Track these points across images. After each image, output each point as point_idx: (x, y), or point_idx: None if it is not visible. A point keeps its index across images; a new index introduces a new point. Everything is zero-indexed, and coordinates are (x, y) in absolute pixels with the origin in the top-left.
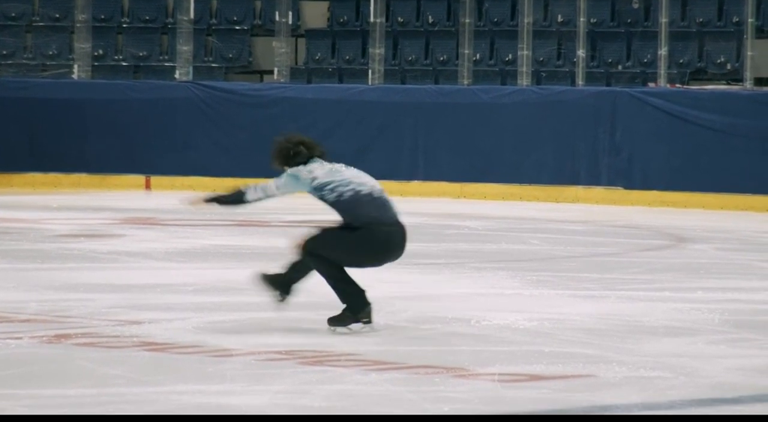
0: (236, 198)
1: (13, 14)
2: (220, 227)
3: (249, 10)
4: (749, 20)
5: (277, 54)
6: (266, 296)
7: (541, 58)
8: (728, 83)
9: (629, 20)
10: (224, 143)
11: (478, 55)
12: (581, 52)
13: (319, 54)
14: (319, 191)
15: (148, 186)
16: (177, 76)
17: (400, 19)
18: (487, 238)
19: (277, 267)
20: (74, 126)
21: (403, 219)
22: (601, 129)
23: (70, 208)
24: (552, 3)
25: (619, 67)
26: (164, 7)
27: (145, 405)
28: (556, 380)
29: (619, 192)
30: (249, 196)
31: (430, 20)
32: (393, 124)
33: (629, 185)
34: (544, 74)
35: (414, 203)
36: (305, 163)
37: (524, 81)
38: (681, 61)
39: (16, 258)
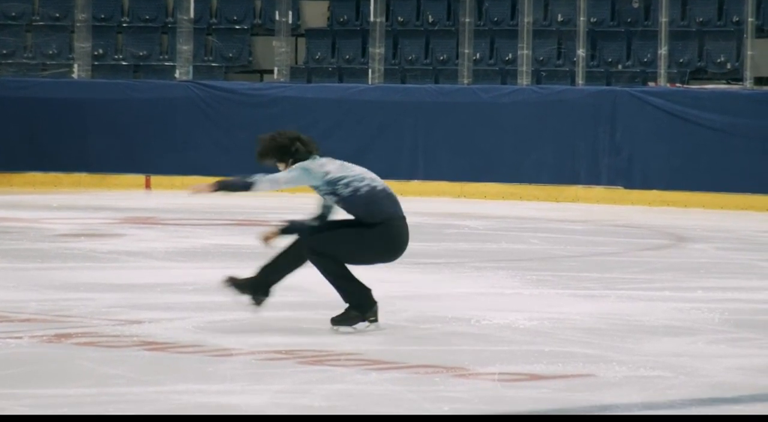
0: (243, 186)
1: (13, 14)
2: (220, 226)
3: (249, 9)
4: (749, 20)
5: (277, 53)
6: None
7: (541, 58)
8: (728, 83)
9: (629, 20)
10: (224, 143)
11: (478, 55)
12: (581, 52)
13: (319, 53)
14: (332, 185)
15: (148, 186)
16: (177, 75)
17: (400, 19)
18: (487, 237)
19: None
20: (74, 126)
21: (398, 225)
22: (601, 129)
23: (70, 207)
24: (552, 2)
25: (619, 66)
26: (164, 7)
27: (145, 405)
28: (556, 380)
29: (619, 192)
30: (257, 186)
31: (430, 20)
32: (393, 123)
33: (629, 185)
34: (544, 74)
35: (414, 203)
36: (305, 159)
37: (524, 81)
38: (681, 60)
39: (16, 258)
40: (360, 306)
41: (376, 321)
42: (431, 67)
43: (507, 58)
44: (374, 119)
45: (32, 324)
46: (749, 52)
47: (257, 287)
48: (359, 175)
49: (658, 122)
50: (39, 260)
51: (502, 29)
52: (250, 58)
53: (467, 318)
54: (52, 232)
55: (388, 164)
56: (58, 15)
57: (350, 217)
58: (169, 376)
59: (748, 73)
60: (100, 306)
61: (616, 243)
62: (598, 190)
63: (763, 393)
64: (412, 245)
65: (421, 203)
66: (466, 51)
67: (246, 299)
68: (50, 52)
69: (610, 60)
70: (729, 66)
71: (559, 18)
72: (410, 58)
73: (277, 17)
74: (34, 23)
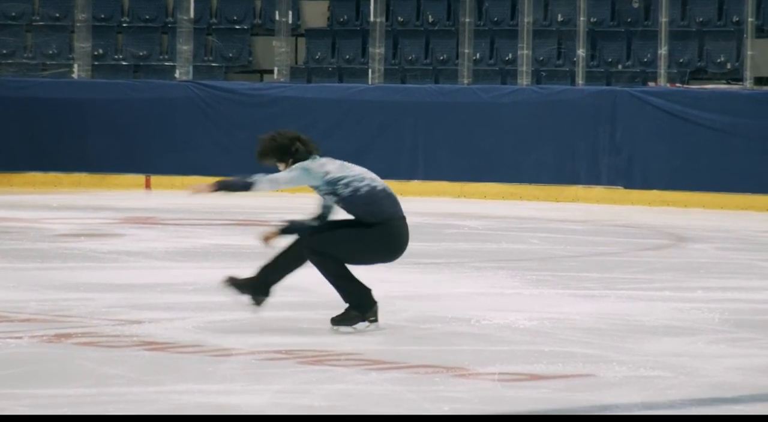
0: (243, 186)
1: (13, 14)
2: (220, 226)
3: (249, 9)
4: (749, 20)
5: (277, 53)
6: (243, 299)
7: (541, 58)
8: (728, 83)
9: (629, 20)
10: (224, 143)
11: (478, 55)
12: (581, 52)
13: (319, 53)
14: (332, 185)
15: (148, 186)
16: (177, 75)
17: (400, 19)
18: (487, 237)
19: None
20: (74, 126)
21: (399, 224)
22: (601, 129)
23: (70, 207)
24: (552, 2)
25: (619, 66)
26: (164, 7)
27: (145, 405)
28: (556, 380)
29: (619, 192)
30: (257, 186)
31: (430, 20)
32: (393, 123)
33: (629, 185)
34: (544, 74)
35: (414, 203)
36: (305, 159)
37: (524, 80)
38: (681, 60)
39: (16, 258)
40: (360, 306)
41: (376, 320)
42: (431, 67)
43: (507, 58)
44: (374, 119)
45: (32, 324)
46: (749, 52)
47: (257, 287)
48: (359, 175)
49: (658, 122)
50: (39, 260)
51: (502, 29)
52: (250, 58)
53: (467, 318)
54: (52, 232)
55: (388, 164)
56: (58, 15)
57: (350, 217)
58: (169, 376)
59: (748, 73)
60: (100, 306)
61: (616, 243)
62: (598, 190)
63: (763, 393)
64: (412, 245)
65: (421, 203)
66: (466, 51)
67: (246, 299)
68: (50, 52)
69: (610, 60)
70: (729, 66)
71: (559, 18)
72: (410, 58)
73: (277, 17)
74: (34, 23)
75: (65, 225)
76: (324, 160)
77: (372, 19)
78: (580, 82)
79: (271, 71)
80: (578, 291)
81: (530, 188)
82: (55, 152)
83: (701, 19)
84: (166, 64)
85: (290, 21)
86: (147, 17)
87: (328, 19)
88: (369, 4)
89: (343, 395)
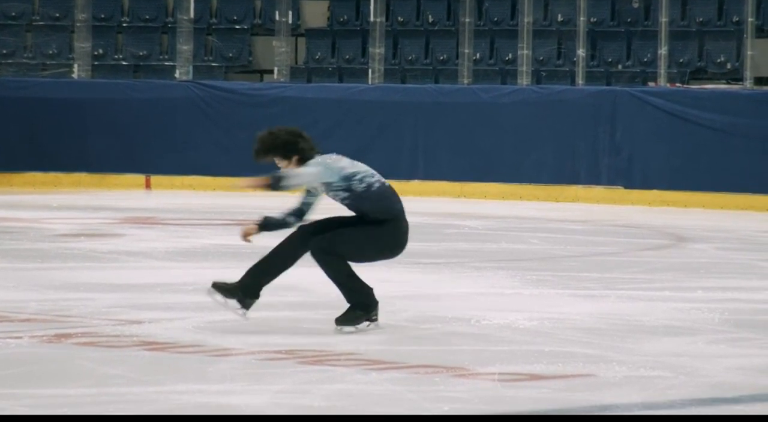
0: (273, 187)
1: (13, 14)
2: (220, 226)
3: (249, 9)
4: (749, 20)
5: (277, 53)
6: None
7: (541, 58)
8: (728, 83)
9: (629, 20)
10: (224, 143)
11: (478, 55)
12: (581, 52)
13: (319, 53)
14: (348, 181)
15: (148, 186)
16: (177, 75)
17: (400, 19)
18: (487, 237)
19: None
20: (74, 126)
21: (405, 222)
22: (601, 129)
23: (70, 207)
24: (552, 2)
25: (619, 66)
26: (164, 7)
27: (145, 405)
28: (556, 380)
29: (619, 192)
30: (285, 183)
31: (430, 20)
32: (393, 123)
33: (629, 185)
34: (544, 74)
35: (414, 203)
36: (310, 155)
37: (524, 81)
38: (681, 60)
39: (16, 258)
40: (364, 305)
41: (376, 320)
42: (431, 67)
43: (507, 58)
44: (374, 119)
45: (32, 324)
46: (749, 52)
47: (248, 290)
48: (369, 171)
49: (658, 122)
50: (39, 260)
51: (502, 29)
52: (250, 58)
53: (467, 318)
54: (52, 232)
55: (388, 164)
56: (58, 15)
57: (349, 214)
58: (169, 376)
59: (748, 73)
60: (100, 306)
61: (616, 243)
62: (598, 190)
63: (763, 393)
64: (412, 245)
65: (421, 203)
66: (466, 51)
67: (233, 303)
68: (50, 52)
69: (610, 60)
70: (729, 66)
71: (559, 18)
72: (410, 58)
73: (277, 17)
74: (34, 23)
75: (65, 225)
76: (333, 155)
77: (372, 19)
78: (580, 82)
79: (271, 71)
80: (578, 291)
81: (530, 188)
82: (55, 152)
83: (701, 19)
84: (166, 64)
85: (290, 21)
86: (147, 17)
87: (328, 19)
88: (369, 4)
89: (343, 395)
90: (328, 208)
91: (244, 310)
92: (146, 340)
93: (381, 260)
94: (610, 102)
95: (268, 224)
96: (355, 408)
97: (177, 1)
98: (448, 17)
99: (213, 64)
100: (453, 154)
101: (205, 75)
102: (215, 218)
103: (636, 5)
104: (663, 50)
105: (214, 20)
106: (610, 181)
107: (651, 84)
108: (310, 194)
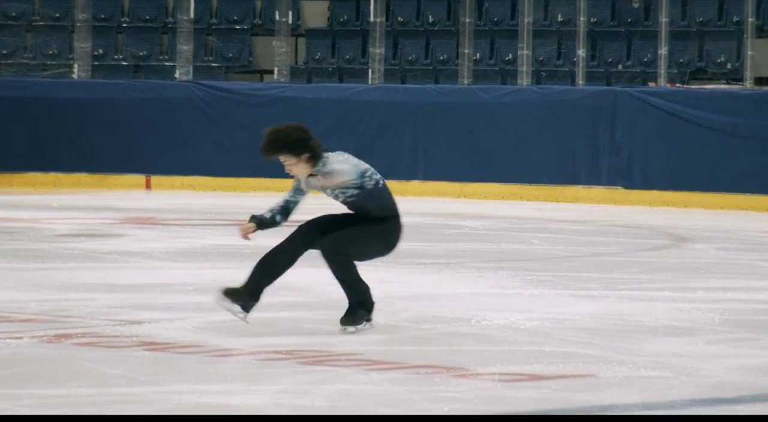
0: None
1: (13, 14)
2: (220, 226)
3: (249, 9)
4: (749, 20)
5: (277, 54)
6: (229, 311)
7: (541, 58)
8: (728, 83)
9: (629, 20)
10: (224, 143)
11: (478, 55)
12: (581, 52)
13: (319, 54)
14: (362, 178)
15: (148, 186)
16: (177, 75)
17: (400, 19)
18: (488, 238)
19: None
20: (74, 126)
21: (402, 219)
22: (601, 129)
23: (71, 207)
24: (552, 3)
25: (619, 66)
26: (164, 7)
27: (145, 405)
28: (556, 380)
29: (619, 192)
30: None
31: (430, 20)
32: (393, 124)
33: (629, 185)
34: (544, 74)
35: (414, 203)
36: (320, 151)
37: (524, 81)
38: (681, 60)
39: (16, 258)
40: (367, 304)
41: (370, 320)
42: (431, 67)
43: (507, 59)
44: (374, 119)
45: (32, 324)
46: (749, 52)
47: (253, 293)
48: (373, 168)
49: (658, 122)
50: (39, 260)
51: (502, 29)
52: (250, 59)
53: (467, 318)
54: (52, 232)
55: (388, 164)
56: (58, 15)
57: (340, 212)
58: (169, 376)
59: (748, 73)
60: (100, 306)
61: (616, 243)
62: (598, 190)
63: (763, 393)
64: (412, 245)
65: (421, 203)
66: (466, 51)
67: (237, 308)
68: (50, 52)
69: (610, 60)
70: (729, 66)
71: (559, 18)
72: (410, 58)
73: (277, 17)
74: (34, 23)
75: (65, 225)
76: (344, 153)
77: (372, 19)
78: (580, 82)
79: (271, 71)
80: (578, 291)
81: (530, 188)
82: (55, 152)
83: (701, 19)
84: (166, 64)
85: (290, 21)
86: (147, 17)
87: (328, 19)
88: (369, 4)
89: (343, 395)
90: (315, 207)
91: (245, 313)
92: (146, 340)
93: (380, 257)
94: (610, 102)
95: (262, 223)
96: (356, 409)
97: (177, 1)
98: (448, 17)
99: (213, 64)
100: (453, 154)
101: (205, 75)
102: (215, 218)
103: (636, 5)
104: (663, 50)
105: (214, 20)
106: (610, 181)
107: (651, 84)
108: (298, 192)
